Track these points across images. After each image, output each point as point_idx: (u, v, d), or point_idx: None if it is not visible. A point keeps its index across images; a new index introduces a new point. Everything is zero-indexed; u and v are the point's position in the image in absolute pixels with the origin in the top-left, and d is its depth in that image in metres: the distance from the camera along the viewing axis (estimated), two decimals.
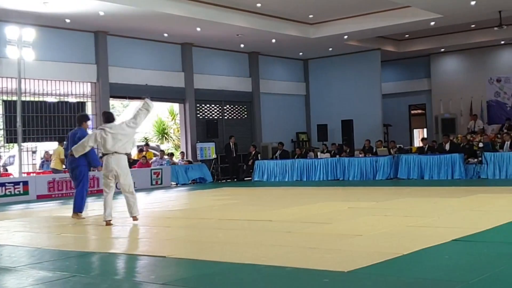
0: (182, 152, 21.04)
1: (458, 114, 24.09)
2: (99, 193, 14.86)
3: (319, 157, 19.90)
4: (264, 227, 8.18)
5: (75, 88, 18.22)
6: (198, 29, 18.41)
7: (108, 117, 9.38)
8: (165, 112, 27.27)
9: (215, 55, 21.90)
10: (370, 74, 23.65)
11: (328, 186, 16.29)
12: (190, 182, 19.60)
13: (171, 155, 20.80)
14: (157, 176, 18.41)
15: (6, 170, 18.91)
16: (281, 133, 23.33)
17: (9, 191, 14.95)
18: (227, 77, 22.30)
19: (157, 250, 6.72)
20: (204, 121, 21.53)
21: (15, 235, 8.58)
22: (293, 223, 8.32)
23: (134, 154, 20.10)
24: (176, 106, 23.74)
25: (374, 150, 19.06)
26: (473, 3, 16.54)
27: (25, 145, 17.51)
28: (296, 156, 20.37)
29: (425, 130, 27.09)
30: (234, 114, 23.05)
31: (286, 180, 19.41)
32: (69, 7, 15.44)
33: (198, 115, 21.48)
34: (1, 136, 16.51)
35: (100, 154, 11.14)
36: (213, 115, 22.18)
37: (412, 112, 27.22)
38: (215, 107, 22.29)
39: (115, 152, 9.06)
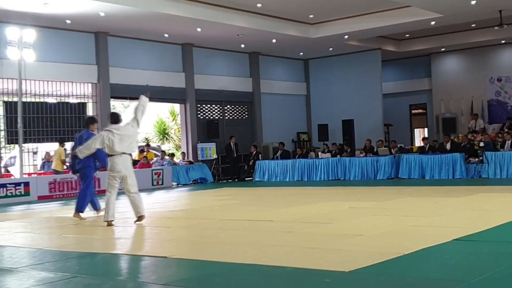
0: (183, 153, 21.05)
1: (459, 113, 24.07)
2: (99, 193, 14.86)
3: (320, 157, 19.90)
4: (265, 227, 8.18)
5: (76, 89, 18.22)
6: (199, 29, 18.42)
7: (115, 118, 9.32)
8: (165, 112, 27.30)
9: (216, 55, 21.91)
10: (370, 74, 23.64)
11: (329, 186, 16.29)
12: (191, 182, 19.61)
13: (172, 155, 20.81)
14: (158, 177, 18.42)
15: (8, 171, 18.92)
16: (282, 133, 23.33)
17: (10, 192, 14.96)
18: (228, 77, 22.31)
19: (158, 251, 6.73)
20: (205, 122, 21.54)
21: (17, 236, 8.59)
22: (294, 223, 8.33)
23: (135, 155, 20.10)
24: (177, 107, 23.75)
25: (375, 149, 19.06)
26: (473, 2, 16.53)
27: (26, 146, 17.51)
28: (297, 156, 20.36)
29: (426, 129, 27.09)
30: (235, 114, 23.05)
31: (287, 180, 19.41)
32: (69, 8, 15.44)
33: (199, 116, 21.49)
34: (2, 137, 16.51)
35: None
36: (214, 115, 22.18)
37: (413, 111, 27.22)
38: (216, 107, 22.30)
39: (123, 153, 9.07)
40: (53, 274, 5.51)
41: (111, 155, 9.07)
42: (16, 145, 17.06)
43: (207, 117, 21.84)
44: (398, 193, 12.61)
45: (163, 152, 21.42)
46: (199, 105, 21.47)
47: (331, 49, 22.91)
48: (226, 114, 22.66)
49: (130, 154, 9.36)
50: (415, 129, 27.98)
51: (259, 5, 17.40)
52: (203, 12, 17.08)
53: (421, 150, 18.49)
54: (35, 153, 20.29)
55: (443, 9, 17.37)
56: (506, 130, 19.87)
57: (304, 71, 25.43)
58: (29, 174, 17.25)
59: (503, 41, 23.10)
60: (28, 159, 18.11)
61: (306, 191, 15.19)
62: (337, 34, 20.25)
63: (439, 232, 6.95)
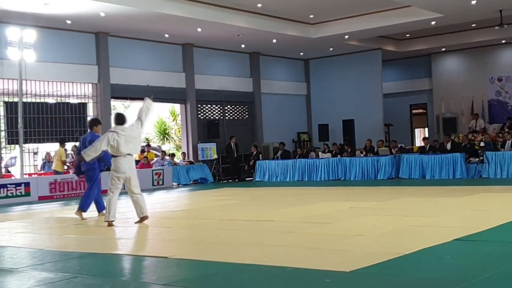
0: (183, 153, 21.06)
1: (459, 113, 24.08)
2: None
3: (320, 157, 19.90)
4: (265, 227, 8.19)
5: (76, 89, 18.23)
6: (199, 29, 18.42)
7: (121, 119, 9.28)
8: (166, 112, 27.29)
9: (216, 55, 21.91)
10: (371, 74, 23.64)
11: (329, 186, 16.28)
12: (191, 182, 19.61)
13: (172, 155, 20.81)
14: (158, 177, 18.43)
15: (8, 171, 18.92)
16: (282, 133, 23.33)
17: (10, 193, 14.96)
18: (228, 78, 22.31)
19: (159, 251, 6.73)
20: (205, 122, 21.54)
21: (17, 237, 8.59)
22: (295, 223, 8.33)
23: (135, 155, 20.10)
24: (177, 107, 23.75)
25: (376, 149, 19.05)
26: (473, 2, 16.53)
27: (27, 146, 17.51)
28: (297, 156, 20.36)
29: (426, 129, 27.09)
30: (235, 114, 23.05)
31: (288, 180, 19.41)
32: (69, 8, 15.44)
33: (199, 116, 21.49)
34: (3, 138, 16.51)
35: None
36: (214, 116, 22.18)
37: (413, 111, 27.22)
38: (216, 108, 22.30)
39: (128, 154, 9.08)
40: (54, 275, 5.51)
41: (115, 156, 9.05)
42: (17, 146, 17.07)
43: (207, 117, 21.84)
44: (399, 193, 12.60)
45: (164, 152, 21.42)
46: (199, 105, 21.47)
47: (331, 49, 22.91)
48: (227, 114, 22.66)
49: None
50: (416, 129, 27.99)
51: (259, 5, 17.40)
52: (203, 12, 17.09)
53: (421, 150, 18.49)
54: (35, 153, 20.29)
55: (443, 9, 17.37)
56: (506, 130, 19.87)
57: (305, 71, 25.43)
58: (30, 174, 17.26)
59: (503, 41, 23.10)
60: (28, 159, 18.12)
61: (306, 191, 15.18)
62: (337, 34, 20.26)
63: (440, 232, 6.95)
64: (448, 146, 17.77)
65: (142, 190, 9.47)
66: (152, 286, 4.98)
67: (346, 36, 20.74)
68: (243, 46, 21.48)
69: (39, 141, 17.56)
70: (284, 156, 20.54)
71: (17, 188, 15.12)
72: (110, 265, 6.15)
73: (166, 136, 27.53)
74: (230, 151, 21.12)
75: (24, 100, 16.32)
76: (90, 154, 9.09)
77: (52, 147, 18.19)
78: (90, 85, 18.48)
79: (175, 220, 9.73)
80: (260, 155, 21.23)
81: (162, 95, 20.23)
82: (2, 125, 16.34)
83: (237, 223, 8.91)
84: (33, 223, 10.32)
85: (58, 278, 5.35)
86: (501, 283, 4.58)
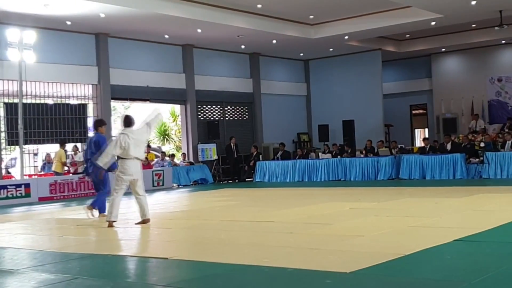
0: (183, 153, 21.06)
1: (460, 113, 24.08)
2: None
3: (320, 157, 19.90)
4: (266, 228, 8.19)
5: (77, 90, 18.23)
6: (199, 30, 18.42)
7: (130, 122, 9.29)
8: (166, 113, 27.26)
9: (216, 56, 21.91)
10: (371, 74, 23.64)
11: (329, 186, 16.28)
12: (191, 183, 19.61)
13: (172, 156, 20.81)
14: (158, 178, 18.43)
15: (8, 172, 18.90)
16: (282, 133, 23.33)
17: (11, 194, 14.96)
18: (228, 78, 22.31)
19: (159, 252, 6.73)
20: (205, 122, 21.54)
21: (17, 238, 8.59)
22: (295, 224, 8.33)
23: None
24: (177, 108, 23.74)
25: (376, 150, 19.05)
26: (473, 2, 16.53)
27: (27, 147, 17.50)
28: (297, 157, 20.37)
29: (426, 130, 27.09)
30: (235, 115, 23.05)
31: (288, 181, 19.41)
32: (69, 9, 15.44)
33: (199, 116, 21.49)
34: (3, 139, 16.51)
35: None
36: (214, 116, 22.18)
37: (414, 112, 27.22)
38: (216, 108, 22.30)
39: (136, 158, 9.09)
40: (54, 276, 5.51)
41: (123, 158, 9.04)
42: (17, 147, 17.07)
43: (207, 118, 21.84)
44: (399, 194, 12.61)
45: (164, 153, 21.42)
46: (199, 106, 21.47)
47: (331, 49, 22.91)
48: (227, 115, 22.66)
49: None
50: (416, 130, 27.98)
51: (259, 6, 17.40)
52: (203, 13, 17.09)
53: (421, 150, 18.48)
54: (35, 154, 20.27)
55: (443, 9, 17.37)
56: (506, 130, 19.86)
57: (305, 71, 25.43)
58: (30, 175, 17.24)
59: (503, 41, 23.10)
60: (28, 160, 18.11)
61: (306, 191, 15.18)
62: (337, 34, 20.25)
63: (440, 232, 6.95)
64: (448, 146, 17.77)
65: (130, 192, 9.47)
66: (153, 287, 4.98)
67: (346, 37, 20.74)
68: (243, 46, 21.48)
69: (39, 142, 17.55)
70: (284, 157, 20.54)
71: (17, 189, 15.12)
72: (111, 266, 6.14)
73: (166, 137, 27.53)
74: (230, 152, 21.12)
75: (24, 101, 16.32)
76: (103, 160, 9.09)
77: (52, 148, 18.19)
78: (90, 86, 18.48)
79: (175, 221, 9.73)
80: (260, 156, 21.23)
81: (162, 96, 20.29)
82: (2, 126, 16.33)
83: (238, 224, 8.91)
84: (33, 224, 10.32)
85: (59, 280, 5.35)
86: (502, 284, 4.58)
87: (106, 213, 10.24)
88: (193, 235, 7.98)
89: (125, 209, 10.79)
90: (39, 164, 19.23)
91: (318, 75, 25.03)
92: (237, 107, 23.03)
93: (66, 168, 17.02)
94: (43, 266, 6.08)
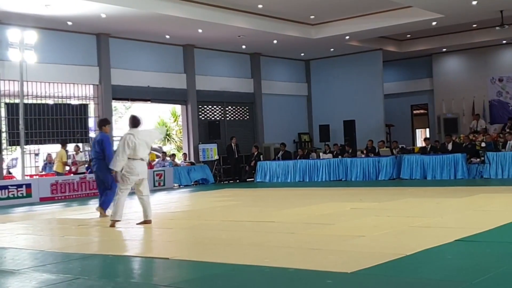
0: (184, 154, 21.07)
1: (461, 114, 24.08)
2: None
3: (321, 157, 19.90)
4: (266, 228, 8.19)
5: (78, 90, 18.25)
6: (200, 30, 18.43)
7: (137, 122, 9.33)
8: (167, 113, 27.32)
9: (217, 56, 21.92)
10: (372, 75, 23.64)
11: (330, 186, 16.27)
12: (192, 183, 19.61)
13: (173, 156, 20.82)
14: (159, 178, 18.43)
15: (9, 172, 18.92)
16: (283, 133, 23.33)
17: (12, 194, 14.97)
18: (229, 78, 22.32)
19: (160, 252, 6.74)
20: (206, 122, 21.55)
21: (18, 238, 8.59)
22: (296, 224, 8.32)
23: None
24: (178, 108, 23.78)
25: (377, 150, 19.04)
26: (474, 2, 16.52)
27: (28, 147, 17.52)
28: (298, 157, 20.36)
29: (427, 130, 27.09)
30: (236, 115, 23.06)
31: (289, 181, 19.41)
32: (71, 9, 15.45)
33: (200, 117, 21.50)
34: (4, 139, 16.52)
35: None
36: (215, 116, 22.18)
37: (414, 112, 27.21)
38: (217, 108, 22.30)
39: (141, 159, 9.12)
40: (55, 276, 5.51)
41: (130, 158, 9.03)
42: (18, 147, 17.08)
43: (208, 118, 21.85)
44: (400, 194, 12.60)
45: (164, 153, 21.43)
46: (200, 106, 21.48)
47: (332, 49, 22.91)
48: (228, 115, 22.67)
49: None
50: (417, 130, 27.98)
51: (260, 6, 17.41)
52: (204, 13, 17.10)
53: (422, 150, 18.47)
54: (36, 154, 20.29)
55: (444, 9, 17.36)
56: (507, 130, 19.86)
57: (305, 71, 25.43)
58: (31, 175, 17.26)
59: (504, 41, 23.10)
60: (29, 160, 18.12)
61: (307, 192, 15.18)
62: (338, 34, 20.25)
63: (441, 232, 6.95)
64: (449, 146, 17.76)
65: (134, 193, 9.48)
66: (154, 287, 4.98)
67: (347, 37, 20.74)
68: (244, 47, 21.49)
69: (40, 143, 17.57)
70: (285, 157, 20.54)
71: (19, 189, 15.13)
72: (112, 266, 6.15)
73: (167, 137, 27.56)
74: (231, 152, 21.11)
75: (25, 101, 16.33)
76: (118, 164, 9.05)
77: (53, 148, 18.20)
78: (91, 86, 18.49)
79: (176, 221, 9.73)
80: (261, 156, 21.23)
81: (163, 96, 20.31)
82: (3, 126, 16.34)
83: (239, 224, 8.91)
84: (34, 225, 10.31)
85: (60, 280, 5.35)
86: (503, 284, 4.58)
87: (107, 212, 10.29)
88: (194, 235, 7.99)
89: (127, 209, 10.76)
90: (40, 164, 19.25)
91: (319, 75, 25.03)
92: (238, 107, 23.03)
93: (67, 168, 17.02)
94: (44, 266, 6.09)
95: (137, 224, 9.15)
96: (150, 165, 18.86)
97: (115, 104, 23.56)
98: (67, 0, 14.65)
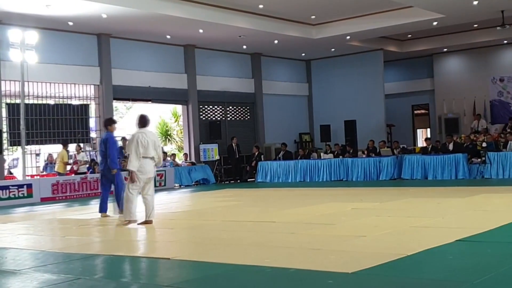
0: (185, 154, 21.07)
1: (462, 114, 24.06)
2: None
3: (322, 157, 19.89)
4: (267, 228, 8.19)
5: (78, 90, 18.26)
6: (201, 30, 18.43)
7: (145, 122, 9.40)
8: (168, 113, 27.31)
9: (218, 56, 21.92)
10: (372, 75, 23.63)
11: (331, 186, 16.27)
12: (193, 183, 19.61)
13: (173, 156, 20.82)
14: (160, 178, 18.43)
15: (10, 173, 18.93)
16: (284, 134, 23.33)
17: (13, 194, 14.97)
18: (230, 78, 22.32)
19: (161, 252, 6.74)
20: (207, 123, 21.55)
21: (19, 238, 8.60)
22: (297, 224, 8.32)
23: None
24: (179, 108, 23.76)
25: (378, 150, 19.03)
26: (475, 3, 16.52)
27: (29, 147, 17.53)
28: (299, 157, 20.35)
29: (428, 130, 27.07)
30: (237, 115, 23.06)
31: (290, 181, 19.40)
32: (71, 10, 15.46)
33: (201, 117, 21.50)
34: (5, 139, 16.53)
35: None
36: (216, 116, 22.19)
37: (415, 112, 27.20)
38: (218, 108, 22.31)
39: (151, 158, 9.13)
40: (56, 276, 5.52)
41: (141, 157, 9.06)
42: (19, 147, 17.10)
43: (209, 118, 21.85)
44: (401, 194, 12.60)
45: (165, 153, 21.40)
46: (201, 106, 21.48)
47: (333, 49, 22.91)
48: (228, 115, 22.67)
49: None
50: (418, 130, 27.96)
51: (261, 6, 17.41)
52: (205, 14, 17.10)
53: (423, 150, 18.47)
54: (37, 155, 20.31)
55: (445, 9, 17.36)
56: (508, 130, 19.86)
57: (306, 71, 25.43)
58: (32, 176, 17.27)
59: (505, 41, 23.09)
60: (30, 161, 18.13)
61: (308, 192, 15.18)
62: (339, 34, 20.25)
63: (442, 233, 6.95)
64: (450, 146, 17.75)
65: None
66: (155, 287, 4.98)
67: (348, 37, 20.74)
68: (244, 47, 21.49)
69: (41, 143, 17.58)
70: (286, 157, 20.54)
71: (19, 189, 15.14)
72: (113, 266, 6.15)
73: (168, 137, 27.55)
74: (231, 152, 21.11)
75: (26, 101, 16.34)
76: (133, 164, 9.06)
77: (54, 149, 18.20)
78: (92, 86, 18.50)
79: (177, 221, 9.74)
80: (262, 156, 21.23)
81: (164, 96, 20.31)
82: (4, 126, 16.35)
83: (239, 224, 8.92)
84: (35, 225, 10.32)
85: (61, 280, 5.35)
86: (504, 284, 4.58)
87: (113, 212, 10.29)
88: (195, 235, 7.99)
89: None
90: (41, 164, 19.26)
91: (320, 75, 25.03)
92: (239, 107, 23.03)
93: (68, 167, 17.03)
94: (45, 266, 6.09)
95: (138, 224, 9.15)
96: None
97: (116, 104, 23.57)
98: (68, 0, 14.66)
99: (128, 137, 11.95)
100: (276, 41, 20.66)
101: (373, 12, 18.88)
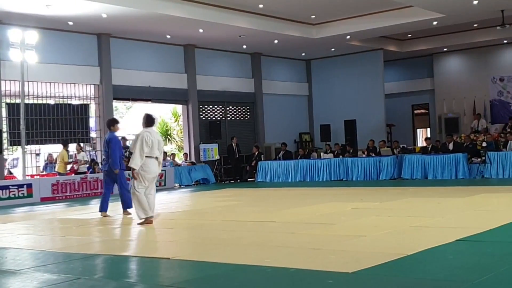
0: (185, 153, 21.07)
1: (462, 113, 24.06)
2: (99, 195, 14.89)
3: (322, 157, 19.89)
4: (267, 228, 8.19)
5: (78, 90, 18.25)
6: (201, 30, 18.43)
7: (152, 121, 9.44)
8: (168, 113, 27.31)
9: (218, 56, 21.92)
10: (372, 74, 23.63)
11: (331, 186, 16.28)
12: (193, 183, 19.61)
13: (173, 156, 20.81)
14: (160, 178, 18.41)
15: (10, 172, 18.94)
16: (284, 133, 23.33)
17: (13, 194, 14.97)
18: (230, 78, 22.32)
19: (162, 252, 6.74)
20: (207, 122, 21.55)
21: (19, 238, 8.60)
22: (297, 224, 8.33)
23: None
24: (179, 108, 23.76)
25: (378, 150, 19.03)
26: (475, 2, 16.51)
27: (29, 147, 17.53)
28: (299, 157, 20.35)
29: (428, 129, 27.07)
30: (237, 115, 23.06)
31: (290, 180, 19.41)
32: (71, 9, 15.46)
33: (201, 116, 21.50)
34: (5, 139, 16.53)
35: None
36: (216, 116, 22.18)
37: (415, 111, 27.19)
38: (218, 108, 22.30)
39: (156, 157, 9.14)
40: (57, 276, 5.52)
41: (146, 157, 9.06)
42: (19, 147, 17.10)
43: (209, 118, 21.85)
44: (401, 194, 12.60)
45: (165, 153, 21.39)
46: (201, 106, 21.48)
47: (333, 49, 22.90)
48: (228, 115, 22.67)
49: None
50: (418, 129, 27.95)
51: (261, 5, 17.40)
52: (205, 13, 17.10)
53: (423, 150, 18.47)
54: (37, 154, 20.32)
55: (445, 9, 17.36)
56: (508, 130, 19.85)
57: (306, 71, 25.43)
58: (32, 175, 17.27)
59: (505, 41, 23.08)
60: (30, 160, 18.13)
61: (308, 191, 15.19)
62: (339, 34, 20.25)
63: (442, 232, 6.95)
64: (450, 146, 17.75)
65: None
66: (155, 287, 4.98)
67: (348, 37, 20.74)
68: (244, 46, 21.49)
69: (41, 143, 17.58)
70: (286, 157, 20.54)
71: (19, 189, 15.14)
72: (113, 266, 6.15)
73: (168, 137, 27.54)
74: (231, 152, 21.11)
75: (26, 101, 16.34)
76: (136, 162, 9.07)
77: (54, 148, 18.20)
78: (92, 86, 18.50)
79: (177, 221, 9.74)
80: (262, 156, 21.23)
81: (164, 96, 20.31)
82: (4, 126, 16.35)
83: (240, 224, 8.92)
84: (35, 225, 10.32)
85: (61, 280, 5.35)
86: (504, 284, 4.58)
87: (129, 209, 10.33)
88: (195, 235, 7.99)
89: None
90: (41, 164, 19.26)
91: (320, 75, 25.04)
92: (239, 107, 23.03)
93: (68, 166, 17.04)
94: (46, 266, 6.09)
95: (138, 223, 9.15)
96: None
97: (116, 104, 23.56)
98: (68, 0, 14.66)
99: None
100: (276, 41, 20.66)
101: (373, 12, 18.88)
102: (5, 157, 17.57)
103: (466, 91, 24.07)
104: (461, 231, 6.88)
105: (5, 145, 16.76)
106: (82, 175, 16.56)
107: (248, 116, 23.38)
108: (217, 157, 20.99)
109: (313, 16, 19.29)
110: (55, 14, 15.68)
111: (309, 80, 25.41)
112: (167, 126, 27.53)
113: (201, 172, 19.91)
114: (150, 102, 20.67)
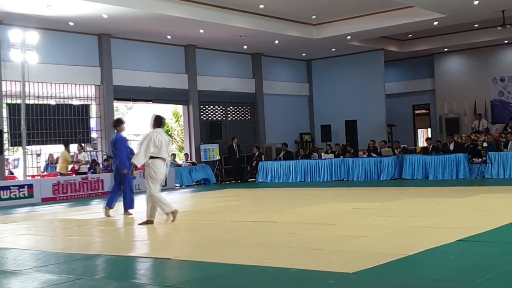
0: (186, 154, 21.07)
1: (462, 113, 24.05)
2: (103, 195, 14.90)
3: (323, 157, 19.89)
4: (268, 228, 8.19)
5: (79, 90, 18.26)
6: (201, 31, 18.43)
7: (161, 122, 9.43)
8: (168, 114, 27.29)
9: (218, 56, 21.93)
10: (373, 74, 23.63)
11: (332, 186, 16.27)
12: (194, 183, 19.61)
13: (173, 156, 20.81)
14: None
15: (11, 173, 18.95)
16: (284, 134, 23.33)
17: (14, 194, 14.98)
18: (231, 79, 22.32)
19: (162, 252, 6.74)
20: (207, 123, 21.55)
21: (20, 239, 8.60)
22: (298, 224, 8.32)
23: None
24: (179, 108, 23.75)
25: (378, 150, 19.03)
26: (476, 2, 16.51)
27: (30, 148, 17.54)
28: (300, 157, 20.35)
29: (429, 130, 27.06)
30: (238, 115, 23.06)
31: (290, 181, 19.40)
32: (72, 10, 15.46)
33: (202, 117, 21.50)
34: (6, 139, 16.54)
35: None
36: (217, 117, 22.19)
37: (416, 112, 27.19)
38: (219, 109, 22.31)
39: (163, 159, 9.14)
40: (57, 277, 5.52)
41: (155, 158, 9.05)
42: (20, 147, 17.10)
43: (210, 118, 21.86)
44: (402, 194, 12.60)
45: None
46: (202, 106, 21.48)
47: (333, 49, 22.90)
48: (229, 115, 22.67)
49: None
50: (418, 130, 27.96)
51: (261, 6, 17.41)
52: (205, 14, 17.10)
53: (424, 150, 18.46)
54: (38, 155, 20.32)
55: (445, 9, 17.35)
56: (509, 130, 19.85)
57: (307, 71, 25.43)
58: (33, 176, 17.27)
59: (505, 41, 23.08)
60: (31, 161, 18.14)
61: (309, 192, 15.18)
62: (339, 34, 20.25)
63: (443, 232, 6.94)
64: (451, 146, 17.75)
65: (145, 192, 9.49)
66: (156, 287, 4.98)
67: (349, 37, 20.74)
68: (245, 47, 21.49)
69: (42, 143, 17.59)
70: (287, 157, 20.54)
71: (20, 190, 15.14)
72: (114, 266, 6.16)
73: (169, 137, 27.54)
74: (232, 152, 21.12)
75: (27, 102, 16.35)
76: (139, 160, 9.07)
77: (55, 149, 18.20)
78: (93, 86, 18.51)
79: (178, 221, 9.70)
80: (263, 156, 21.23)
81: (164, 96, 20.32)
82: (5, 127, 16.36)
83: (240, 224, 8.92)
84: (36, 225, 10.32)
85: (62, 280, 5.35)
86: (505, 284, 4.58)
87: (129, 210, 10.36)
88: (196, 236, 7.99)
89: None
90: (42, 164, 19.27)
91: (321, 75, 25.04)
92: (240, 107, 23.03)
93: (70, 166, 17.04)
94: (46, 266, 6.09)
95: (139, 224, 9.16)
96: None
97: (116, 104, 23.56)
98: (68, 0, 14.67)
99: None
100: (276, 41, 20.67)
101: (373, 12, 18.88)
102: (6, 157, 17.57)
103: (466, 91, 24.07)
104: (462, 231, 6.88)
105: (6, 146, 16.77)
106: (83, 176, 16.56)
107: (249, 117, 23.38)
108: (218, 157, 20.99)
109: (313, 17, 19.30)
110: (56, 14, 15.68)
111: (310, 80, 25.41)
112: (167, 127, 27.51)
113: (202, 173, 19.91)
114: (150, 102, 20.68)
